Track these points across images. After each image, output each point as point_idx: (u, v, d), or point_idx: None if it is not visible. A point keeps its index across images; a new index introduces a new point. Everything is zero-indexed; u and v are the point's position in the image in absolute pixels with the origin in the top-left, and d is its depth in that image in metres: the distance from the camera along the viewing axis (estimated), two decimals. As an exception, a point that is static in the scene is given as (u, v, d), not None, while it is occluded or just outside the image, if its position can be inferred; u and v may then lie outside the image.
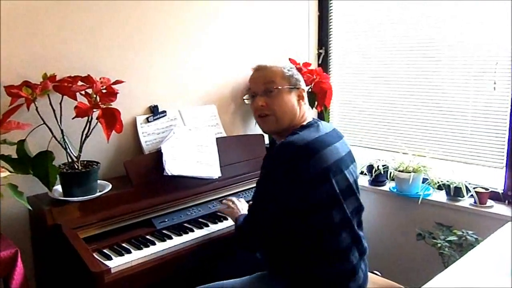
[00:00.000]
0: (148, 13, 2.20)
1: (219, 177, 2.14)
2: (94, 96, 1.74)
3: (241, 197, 2.08)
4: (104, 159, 2.09)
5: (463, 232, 2.22)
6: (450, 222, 2.37)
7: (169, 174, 1.98)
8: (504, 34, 2.24)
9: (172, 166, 2.01)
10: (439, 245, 2.23)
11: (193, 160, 2.11)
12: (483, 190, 2.36)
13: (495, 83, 2.33)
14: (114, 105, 1.79)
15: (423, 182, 2.56)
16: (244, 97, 1.80)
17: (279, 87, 1.67)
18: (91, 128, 1.81)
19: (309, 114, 1.75)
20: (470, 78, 2.41)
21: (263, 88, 1.68)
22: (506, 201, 2.35)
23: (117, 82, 1.84)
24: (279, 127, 1.68)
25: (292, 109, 1.68)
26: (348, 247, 1.60)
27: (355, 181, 1.68)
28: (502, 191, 2.36)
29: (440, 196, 2.50)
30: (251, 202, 1.72)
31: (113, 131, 1.76)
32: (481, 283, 1.44)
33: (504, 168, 2.34)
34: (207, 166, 2.13)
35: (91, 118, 1.78)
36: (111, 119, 1.71)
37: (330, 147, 1.59)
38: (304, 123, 1.68)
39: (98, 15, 2.03)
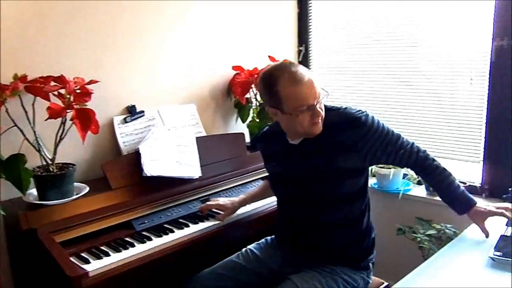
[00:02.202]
0: (124, 11, 2.17)
1: (199, 176, 2.12)
2: (68, 96, 1.70)
3: (222, 197, 2.08)
4: (81, 161, 2.05)
5: (442, 226, 2.24)
6: (430, 217, 2.40)
7: (148, 175, 1.96)
8: (480, 30, 2.27)
9: (151, 167, 1.99)
10: (418, 239, 2.25)
11: (173, 160, 2.09)
12: (461, 184, 2.37)
13: (471, 79, 2.36)
14: (89, 105, 1.76)
15: (403, 178, 2.59)
16: (296, 110, 1.62)
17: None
18: (65, 129, 1.77)
19: None
20: (448, 75, 2.43)
21: (318, 97, 1.63)
22: (483, 195, 2.38)
23: (92, 82, 1.81)
24: None
25: None
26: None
27: None
28: (480, 185, 2.39)
29: (420, 191, 2.53)
30: (398, 143, 1.71)
31: (89, 132, 1.73)
32: (458, 274, 1.46)
33: (481, 162, 2.38)
34: (187, 166, 2.11)
35: (65, 119, 1.75)
36: (86, 119, 1.68)
37: None
38: None
39: (71, 13, 1.99)
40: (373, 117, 1.69)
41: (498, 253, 1.51)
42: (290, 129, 1.71)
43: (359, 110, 1.69)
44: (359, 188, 1.72)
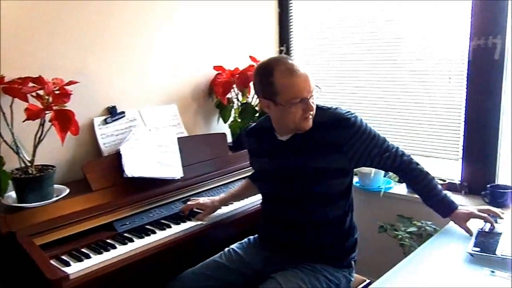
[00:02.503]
0: (103, 11, 2.15)
1: (181, 177, 2.11)
2: (46, 97, 1.68)
3: (204, 197, 2.08)
4: (61, 162, 2.03)
5: (422, 223, 2.27)
6: (411, 214, 2.42)
7: (129, 176, 1.95)
8: (458, 30, 2.31)
9: (132, 168, 1.97)
10: (400, 236, 2.28)
11: (154, 161, 2.08)
12: (441, 182, 2.42)
13: (450, 78, 2.39)
14: (69, 106, 1.74)
15: (384, 176, 2.62)
16: (289, 102, 1.62)
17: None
18: (44, 131, 1.75)
19: None
20: (427, 73, 2.47)
21: (312, 91, 1.64)
22: (463, 192, 2.42)
23: (71, 82, 1.78)
24: None
25: None
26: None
27: None
28: (459, 182, 2.43)
29: (401, 189, 2.56)
30: (383, 146, 1.74)
31: (69, 134, 1.71)
32: (437, 269, 1.48)
33: (460, 160, 2.41)
34: (169, 167, 2.10)
35: (44, 121, 1.73)
36: (65, 121, 1.66)
37: None
38: None
39: (50, 13, 1.97)
40: (361, 119, 1.71)
41: (477, 249, 1.54)
42: (281, 123, 1.72)
43: (349, 112, 1.71)
44: (344, 188, 1.73)
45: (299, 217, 1.75)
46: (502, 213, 1.74)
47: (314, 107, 1.66)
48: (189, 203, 2.03)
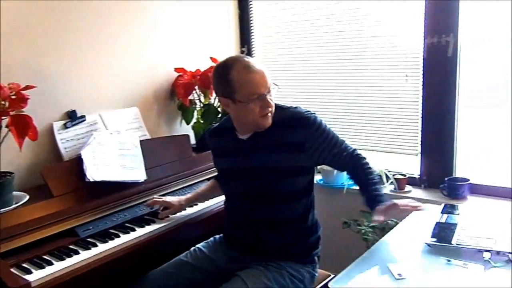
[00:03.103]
0: (60, 12, 2.11)
1: (145, 180, 2.09)
2: (2, 102, 1.64)
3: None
4: (20, 168, 1.98)
5: (384, 217, 2.32)
6: (374, 209, 2.48)
7: (91, 180, 1.92)
8: (413, 27, 2.38)
9: (94, 172, 1.95)
10: (363, 231, 2.33)
11: (117, 165, 2.06)
12: (402, 177, 2.49)
13: (406, 76, 2.46)
14: (26, 111, 1.71)
15: (344, 173, 2.66)
16: (247, 98, 1.65)
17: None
18: (1, 136, 1.71)
19: None
20: (385, 72, 2.53)
21: (269, 87, 1.67)
22: (422, 185, 2.49)
23: (28, 87, 1.75)
24: None
25: None
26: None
27: None
28: (419, 176, 2.51)
29: (364, 185, 2.60)
30: (342, 146, 1.76)
31: (28, 139, 1.68)
32: (397, 260, 1.53)
33: (419, 154, 2.49)
34: (132, 170, 2.08)
35: (0, 126, 1.69)
36: (22, 126, 1.63)
37: None
38: None
39: (4, 15, 1.91)
40: (320, 119, 1.74)
41: (434, 239, 1.60)
42: (240, 121, 1.74)
43: (308, 111, 1.74)
44: (304, 185, 1.76)
45: (262, 216, 1.77)
46: (420, 206, 1.73)
47: (273, 104, 1.69)
48: (155, 198, 2.03)
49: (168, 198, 2.04)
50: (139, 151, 2.16)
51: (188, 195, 2.08)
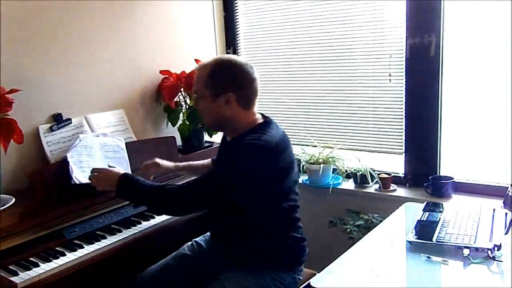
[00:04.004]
0: (45, 15, 2.12)
1: (131, 182, 2.11)
2: (-13, 106, 1.66)
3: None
4: (6, 172, 1.98)
5: (369, 216, 2.36)
6: (359, 208, 2.51)
7: (77, 182, 1.93)
8: (396, 28, 2.42)
9: (80, 174, 1.96)
10: (348, 230, 2.36)
11: (103, 166, 2.06)
12: (386, 176, 2.52)
13: (390, 75, 2.49)
14: (11, 115, 1.72)
15: (333, 172, 2.69)
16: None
17: (199, 95, 1.73)
18: (-14, 140, 1.72)
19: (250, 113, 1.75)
20: (369, 72, 2.56)
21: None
22: (407, 184, 2.53)
23: (13, 91, 1.76)
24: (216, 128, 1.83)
25: (217, 115, 1.71)
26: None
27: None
28: (403, 175, 2.54)
29: (349, 185, 2.64)
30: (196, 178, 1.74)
31: (13, 142, 1.69)
32: (380, 257, 1.56)
33: (403, 153, 2.52)
34: (118, 172, 2.09)
35: (-15, 130, 1.70)
36: (7, 129, 1.65)
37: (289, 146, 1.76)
38: (258, 122, 1.73)
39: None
40: (253, 155, 1.60)
41: (415, 237, 1.63)
42: (235, 120, 1.73)
43: (253, 145, 1.62)
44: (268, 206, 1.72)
45: (237, 225, 1.76)
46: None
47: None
48: (146, 162, 2.06)
49: (158, 160, 2.07)
50: (125, 153, 2.17)
51: (181, 164, 2.14)
